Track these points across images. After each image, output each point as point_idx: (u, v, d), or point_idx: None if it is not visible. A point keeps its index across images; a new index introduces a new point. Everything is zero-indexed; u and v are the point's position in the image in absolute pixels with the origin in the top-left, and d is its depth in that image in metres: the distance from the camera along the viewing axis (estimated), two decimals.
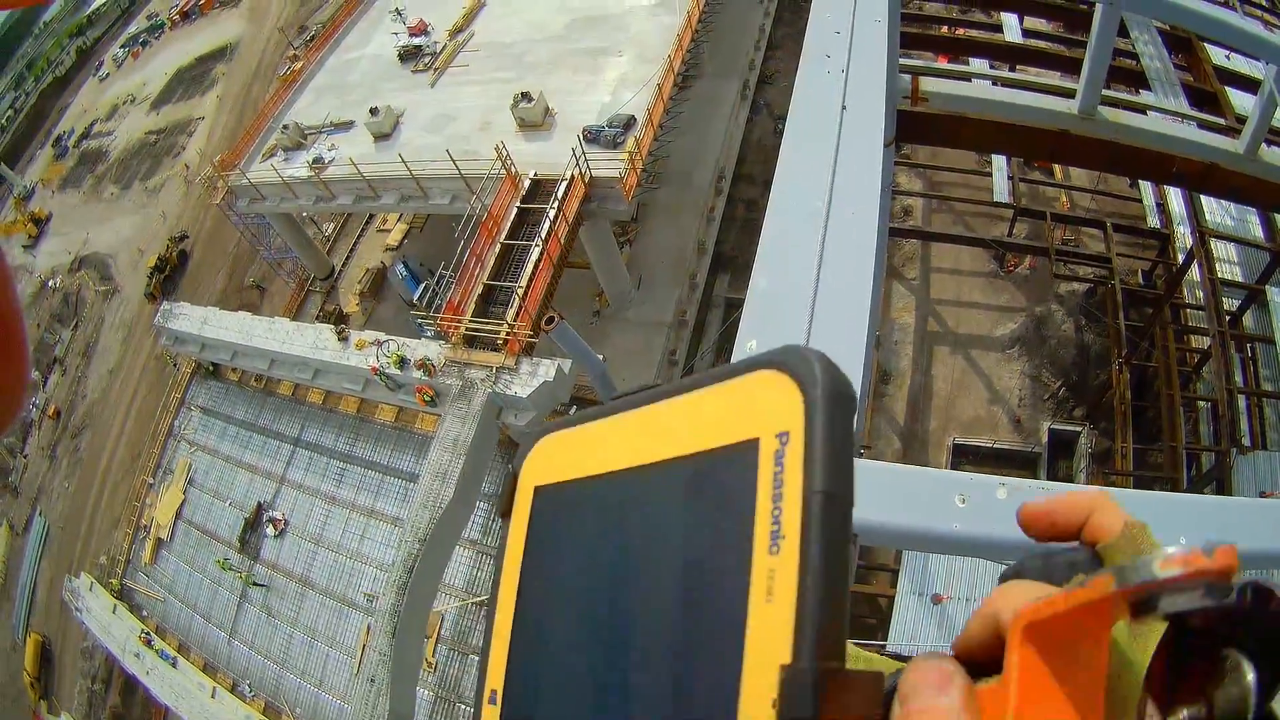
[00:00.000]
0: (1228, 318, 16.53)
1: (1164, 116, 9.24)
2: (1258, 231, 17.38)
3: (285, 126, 26.77)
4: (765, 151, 25.07)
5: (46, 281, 40.03)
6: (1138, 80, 14.74)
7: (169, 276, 35.07)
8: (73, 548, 30.00)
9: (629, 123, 22.45)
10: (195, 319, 25.79)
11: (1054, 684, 0.48)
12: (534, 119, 23.35)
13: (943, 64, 16.74)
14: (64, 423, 34.76)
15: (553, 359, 17.50)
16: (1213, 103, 11.30)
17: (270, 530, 23.48)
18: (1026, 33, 20.03)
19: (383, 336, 20.81)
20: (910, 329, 22.26)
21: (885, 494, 1.85)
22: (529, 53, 26.41)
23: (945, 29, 22.77)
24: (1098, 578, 0.45)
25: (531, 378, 17.36)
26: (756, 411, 0.49)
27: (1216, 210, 18.15)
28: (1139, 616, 0.45)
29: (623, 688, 0.53)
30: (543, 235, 20.08)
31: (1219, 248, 17.82)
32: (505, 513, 0.68)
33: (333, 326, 23.07)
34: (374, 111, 25.35)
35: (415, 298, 23.67)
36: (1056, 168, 24.01)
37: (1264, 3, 20.71)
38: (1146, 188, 21.44)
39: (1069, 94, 7.95)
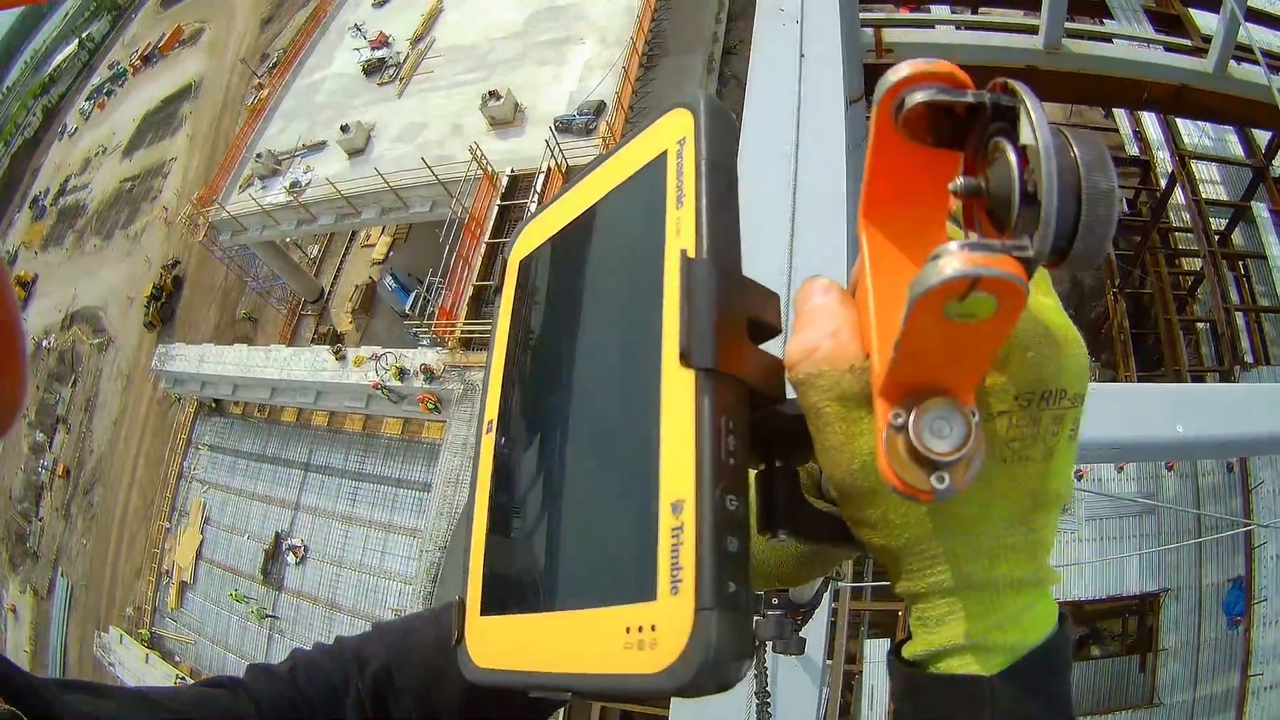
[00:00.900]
0: (1217, 237, 16.51)
1: (1130, 43, 9.14)
2: (1237, 150, 17.38)
3: (259, 155, 26.78)
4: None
5: (40, 342, 40.00)
6: (1100, 10, 14.68)
7: (165, 303, 35.01)
8: (98, 604, 30.00)
9: (599, 108, 22.42)
10: (192, 358, 25.84)
11: (899, 252, 0.56)
12: (504, 116, 23.33)
13: (905, 14, 16.77)
14: (74, 480, 34.79)
15: None
16: (1177, 25, 11.24)
17: (291, 558, 23.50)
18: None
19: (379, 350, 20.84)
20: None
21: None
22: (492, 51, 26.36)
23: None
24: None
25: None
26: (663, 137, 0.59)
27: (1193, 132, 18.19)
28: (909, 131, 0.51)
29: (569, 386, 0.63)
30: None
31: (1200, 169, 17.81)
32: (495, 292, 0.79)
33: (329, 347, 23.10)
34: (345, 129, 25.33)
35: (407, 308, 23.64)
36: None
37: None
38: (1121, 116, 21.16)
39: (1033, 30, 7.84)
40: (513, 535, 0.66)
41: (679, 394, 0.50)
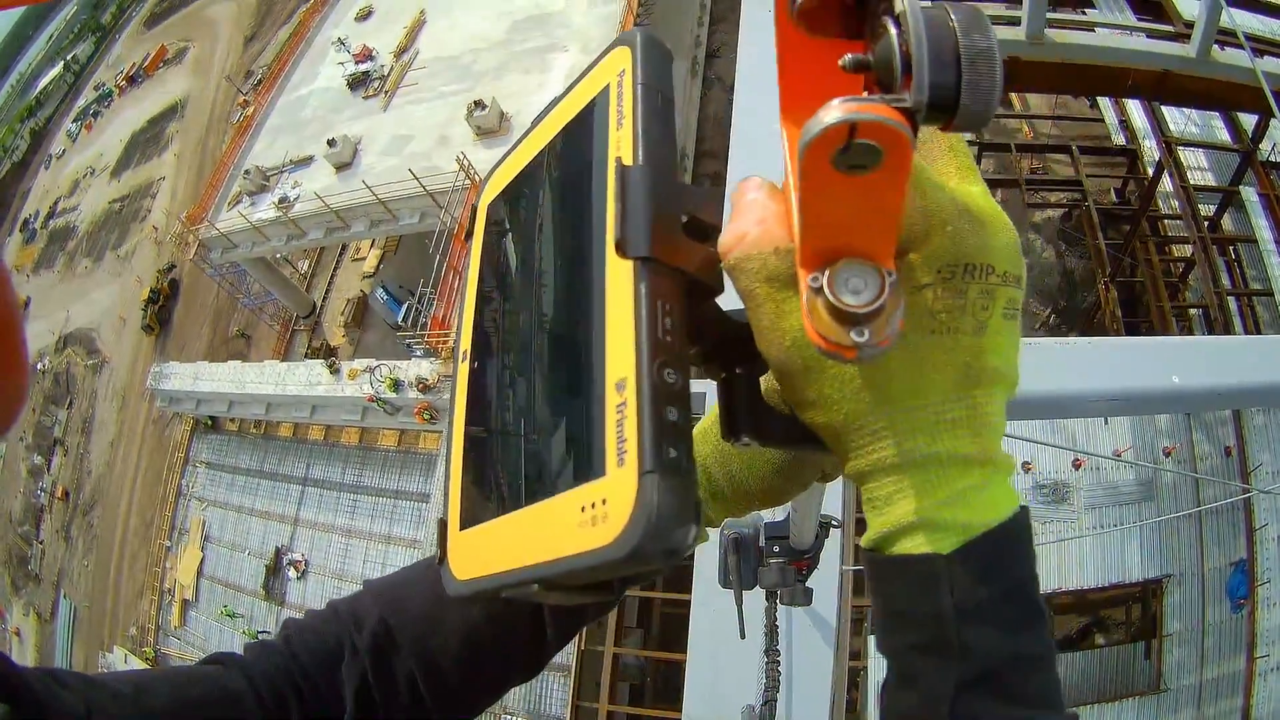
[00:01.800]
0: (1206, 223, 16.54)
1: (1112, 31, 9.26)
2: (1224, 135, 17.40)
3: (246, 172, 26.71)
4: (722, 126, 24.51)
5: (35, 365, 39.91)
6: (1082, 0, 14.74)
7: (163, 306, 35.09)
8: (101, 624, 29.96)
9: None
10: (187, 376, 25.81)
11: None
12: (490, 125, 23.33)
13: None
14: (74, 502, 34.72)
15: None
16: (1159, 11, 11.23)
17: (292, 573, 23.47)
18: None
19: (373, 363, 20.82)
20: None
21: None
22: (476, 61, 26.34)
23: None
24: None
25: None
26: (606, 72, 0.64)
27: (1179, 119, 18.21)
28: (807, 25, 0.55)
29: (531, 305, 0.68)
30: None
31: (1187, 155, 17.80)
32: (467, 236, 0.82)
33: (323, 361, 23.08)
34: (331, 143, 25.29)
35: (399, 319, 23.64)
36: (1014, 98, 23.62)
37: None
38: (1107, 106, 21.32)
39: (1015, 22, 7.91)
40: (485, 449, 0.69)
41: (620, 284, 0.54)
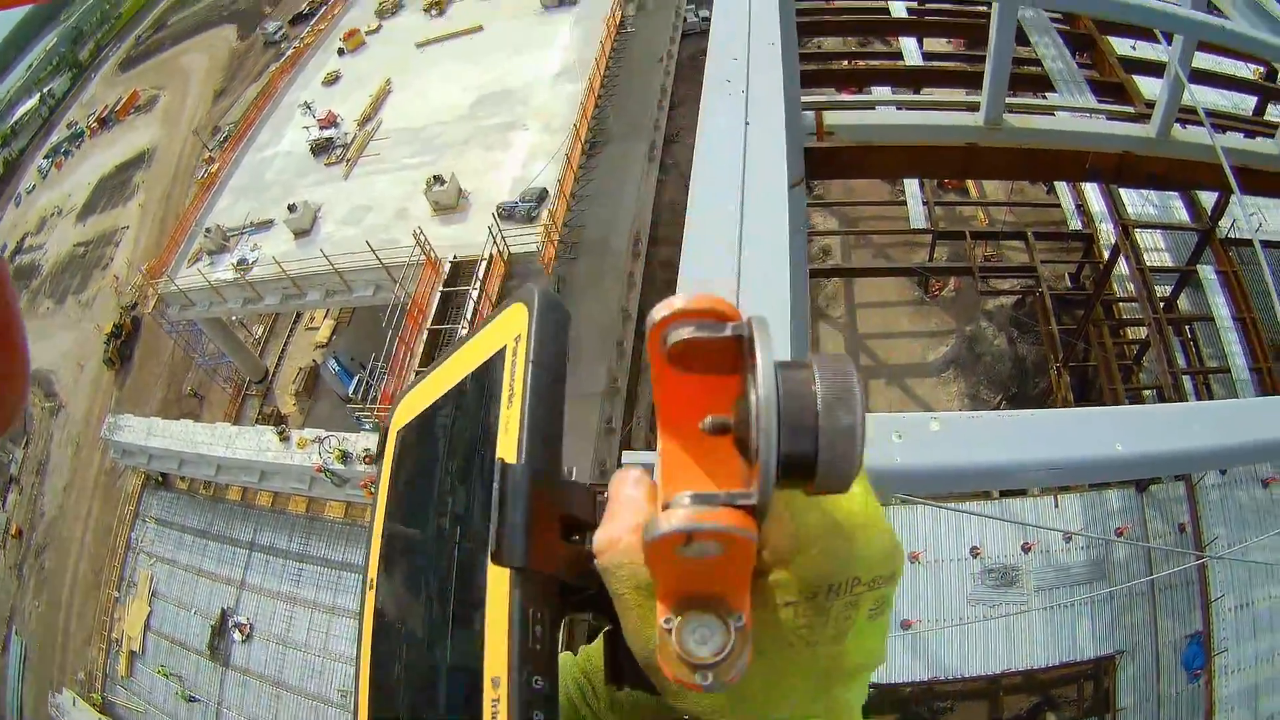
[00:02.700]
0: (1163, 303, 16.63)
1: (1072, 114, 9.07)
2: (1182, 214, 17.66)
3: (208, 230, 26.83)
4: (677, 211, 23.79)
5: None
6: (1043, 84, 14.32)
7: (125, 342, 34.93)
8: (51, 664, 29.48)
9: (542, 195, 22.83)
10: (140, 430, 25.66)
11: (692, 462, 0.61)
12: (448, 201, 23.63)
13: (847, 96, 16.75)
14: (27, 541, 34.22)
15: None
16: (1120, 93, 11.09)
17: (238, 635, 23.30)
18: (927, 55, 19.77)
19: (323, 433, 20.87)
20: None
21: None
22: (439, 135, 26.75)
23: (846, 63, 22.77)
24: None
25: None
26: (506, 330, 0.68)
27: (1137, 201, 18.35)
28: (678, 364, 0.59)
29: (427, 559, 0.72)
30: (468, 317, 20.36)
31: (1144, 237, 18.00)
32: (377, 458, 0.85)
33: (273, 428, 23.10)
34: (292, 208, 25.51)
35: (350, 392, 23.70)
36: (971, 185, 23.87)
37: None
38: (1064, 191, 21.58)
39: (974, 108, 7.71)
40: (383, 689, 0.73)
41: (498, 586, 0.58)
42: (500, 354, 0.67)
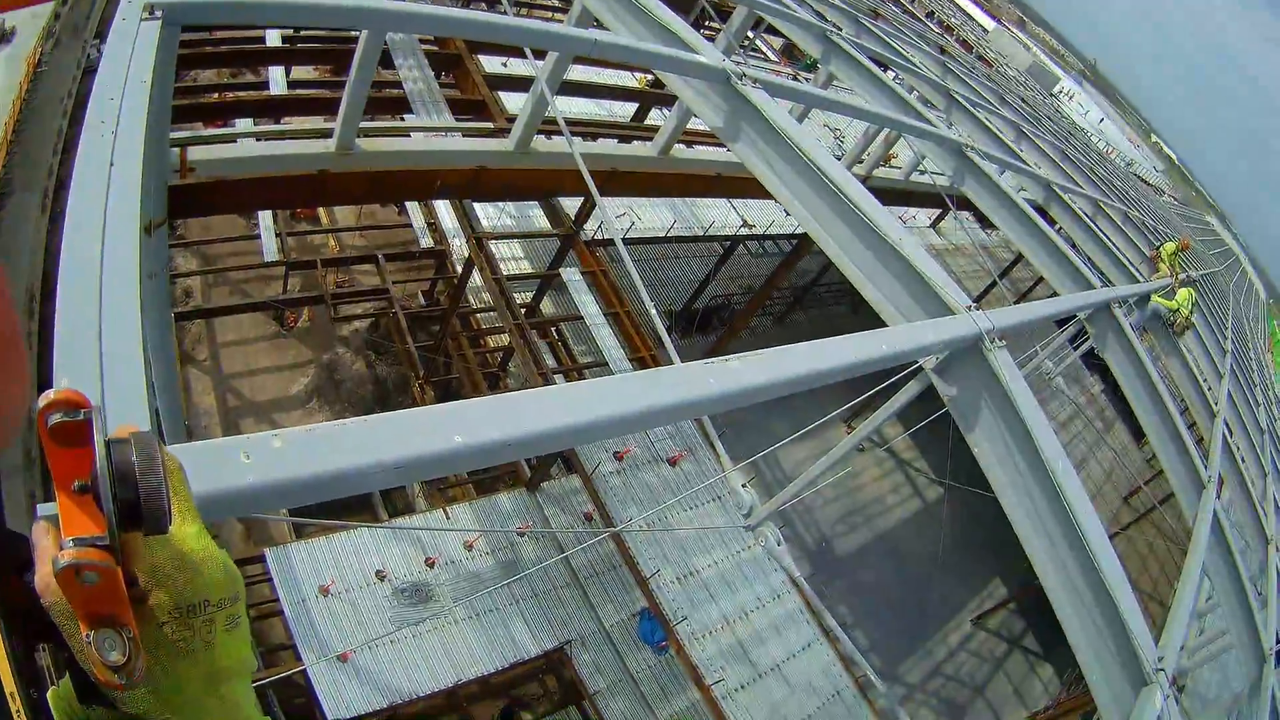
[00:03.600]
0: (524, 309, 16.78)
1: (426, 135, 9.10)
2: (543, 222, 18.18)
3: None
4: None
5: None
6: (403, 106, 13.99)
7: None
8: None
9: None
10: None
11: (74, 509, 0.80)
12: None
13: (213, 131, 15.30)
14: None
15: None
16: (480, 109, 11.26)
17: None
18: (293, 83, 18.94)
19: None
20: (214, 411, 20.07)
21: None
22: None
23: (217, 95, 21.25)
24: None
25: None
26: None
27: (494, 214, 19.11)
28: (59, 441, 0.82)
29: None
30: None
31: (502, 247, 18.66)
32: None
33: None
34: None
35: None
36: (323, 213, 23.74)
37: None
38: (415, 211, 21.98)
39: (328, 134, 7.59)
40: None
41: None
42: None
